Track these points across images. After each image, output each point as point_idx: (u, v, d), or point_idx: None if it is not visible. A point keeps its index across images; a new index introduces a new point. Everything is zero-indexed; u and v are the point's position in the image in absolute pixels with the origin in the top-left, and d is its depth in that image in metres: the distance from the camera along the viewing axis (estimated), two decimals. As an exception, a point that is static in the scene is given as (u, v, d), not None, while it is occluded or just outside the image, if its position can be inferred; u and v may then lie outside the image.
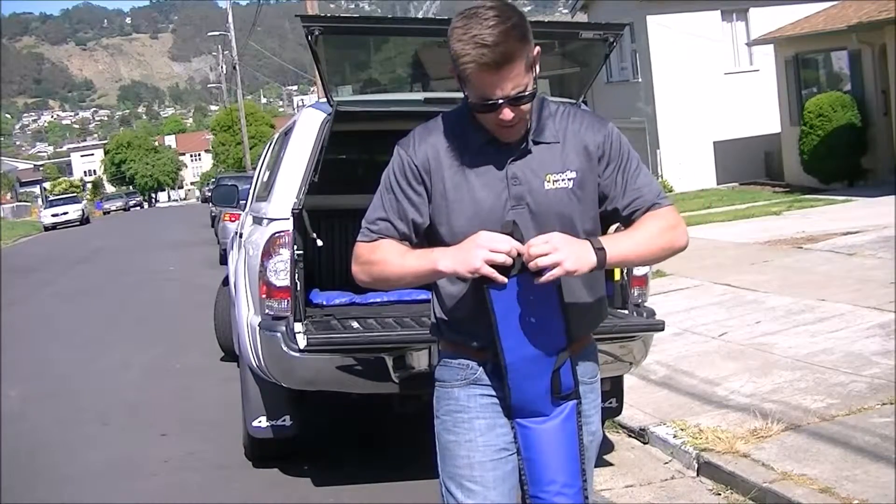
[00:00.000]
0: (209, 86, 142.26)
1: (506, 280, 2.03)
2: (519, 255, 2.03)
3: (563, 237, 2.06)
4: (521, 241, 2.05)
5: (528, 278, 2.06)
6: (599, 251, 2.08)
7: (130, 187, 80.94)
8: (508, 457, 2.24)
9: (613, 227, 2.48)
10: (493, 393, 2.24)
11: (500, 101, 2.07)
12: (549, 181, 2.18)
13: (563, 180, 2.19)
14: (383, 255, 2.21)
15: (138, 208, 65.53)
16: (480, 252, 2.02)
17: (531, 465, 2.21)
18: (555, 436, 2.18)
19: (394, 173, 2.25)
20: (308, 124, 4.72)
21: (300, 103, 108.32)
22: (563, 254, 2.02)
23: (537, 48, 2.13)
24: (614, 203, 2.24)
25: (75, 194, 61.52)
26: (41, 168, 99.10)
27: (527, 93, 2.08)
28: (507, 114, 2.09)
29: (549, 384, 2.16)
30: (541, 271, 2.02)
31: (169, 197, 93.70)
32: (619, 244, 2.14)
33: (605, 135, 2.23)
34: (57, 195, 60.09)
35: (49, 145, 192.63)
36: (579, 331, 2.24)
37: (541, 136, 2.20)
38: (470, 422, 2.25)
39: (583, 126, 2.24)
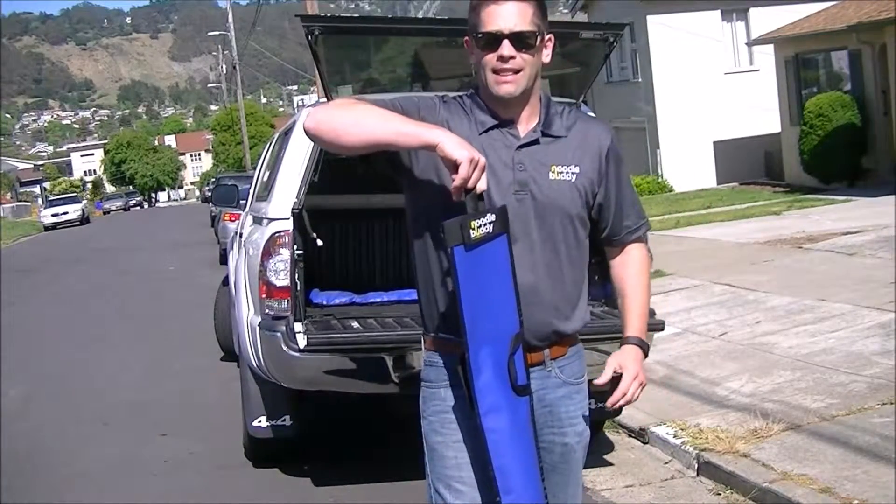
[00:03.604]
0: (209, 86, 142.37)
1: (459, 186, 2.00)
2: (493, 223, 2.06)
3: (639, 369, 2.33)
4: (507, 226, 2.10)
5: (490, 250, 2.06)
6: (643, 347, 2.38)
7: (130, 187, 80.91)
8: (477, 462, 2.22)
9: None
10: None
11: (503, 34, 2.13)
12: (553, 172, 2.23)
13: (567, 173, 2.24)
14: (372, 105, 2.16)
15: (138, 208, 65.52)
16: (472, 156, 2.00)
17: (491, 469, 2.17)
18: (511, 437, 2.13)
19: (418, 98, 2.28)
20: (308, 124, 4.71)
21: (300, 103, 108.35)
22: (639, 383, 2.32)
23: (551, 36, 2.22)
24: (607, 217, 2.35)
25: (75, 194, 61.48)
26: (41, 168, 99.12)
27: (529, 34, 2.15)
28: (508, 49, 2.14)
29: (506, 371, 2.11)
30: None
31: (169, 197, 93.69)
32: (644, 325, 2.40)
33: (611, 139, 2.32)
34: (57, 195, 60.08)
35: (49, 145, 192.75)
36: (537, 324, 2.21)
37: (549, 130, 2.26)
38: (458, 422, 2.24)
39: (590, 126, 2.32)
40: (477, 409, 2.10)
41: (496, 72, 2.16)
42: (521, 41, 2.15)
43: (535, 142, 2.23)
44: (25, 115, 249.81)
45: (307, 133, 2.18)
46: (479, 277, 2.07)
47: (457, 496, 2.22)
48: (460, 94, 2.32)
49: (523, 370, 2.16)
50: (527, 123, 2.25)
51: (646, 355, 2.36)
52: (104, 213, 59.04)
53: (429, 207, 2.21)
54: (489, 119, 2.23)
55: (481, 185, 2.02)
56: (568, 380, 2.31)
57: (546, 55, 2.23)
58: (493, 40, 2.14)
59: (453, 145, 2.01)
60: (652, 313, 4.67)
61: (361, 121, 2.10)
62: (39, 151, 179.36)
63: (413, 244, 2.31)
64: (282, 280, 4.37)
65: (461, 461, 2.22)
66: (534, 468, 2.17)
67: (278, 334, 4.25)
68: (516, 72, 2.16)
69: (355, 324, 4.57)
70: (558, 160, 2.24)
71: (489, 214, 2.05)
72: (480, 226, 2.03)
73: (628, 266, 2.41)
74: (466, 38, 2.24)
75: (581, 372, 2.37)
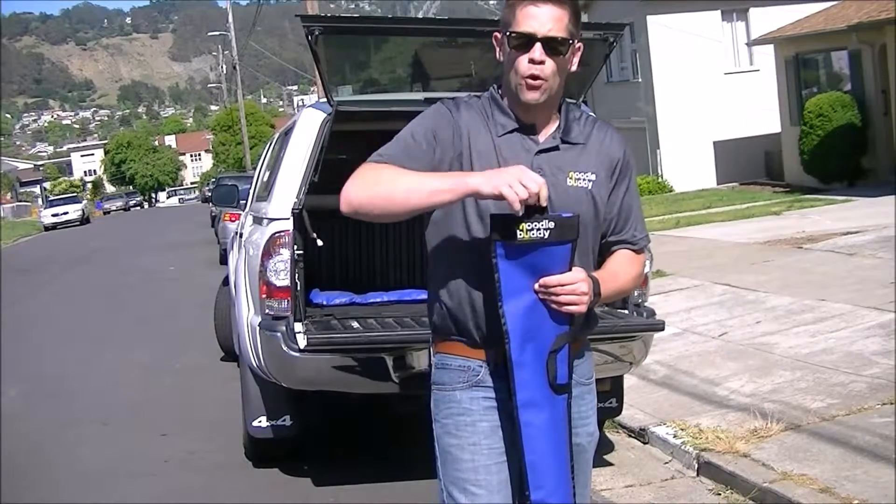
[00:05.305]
0: (209, 86, 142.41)
1: (519, 209, 1.99)
2: (538, 212, 2.03)
3: (590, 283, 2.11)
4: (570, 235, 2.07)
5: (546, 254, 2.06)
6: (596, 296, 2.16)
7: (130, 187, 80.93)
8: (511, 460, 2.22)
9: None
10: (496, 395, 2.22)
11: (536, 36, 2.12)
12: (571, 178, 2.23)
13: (584, 180, 2.24)
14: (395, 170, 2.14)
15: (138, 208, 65.53)
16: (509, 178, 1.99)
17: (524, 463, 2.19)
18: (546, 434, 2.15)
19: (429, 117, 2.25)
20: (308, 124, 4.72)
21: (300, 103, 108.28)
22: (586, 299, 2.09)
23: (581, 45, 2.21)
24: (611, 227, 2.32)
25: (75, 194, 61.53)
26: (41, 168, 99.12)
27: (562, 40, 2.14)
28: (539, 52, 2.13)
29: (545, 367, 2.12)
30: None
31: (168, 196, 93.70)
32: (607, 287, 2.21)
33: (624, 151, 2.33)
34: (57, 195, 60.09)
35: (49, 145, 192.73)
36: (578, 327, 2.23)
37: (568, 136, 2.26)
38: (473, 425, 2.22)
39: (607, 136, 2.32)
40: (515, 401, 2.11)
41: (524, 75, 2.16)
42: (554, 46, 2.14)
43: (555, 148, 2.24)
44: (25, 115, 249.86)
45: (348, 215, 2.22)
46: (527, 276, 2.08)
47: (471, 499, 2.20)
48: (479, 93, 2.31)
49: (565, 369, 2.15)
50: (547, 128, 2.25)
51: (596, 300, 2.19)
52: (104, 214, 59.06)
53: (450, 210, 2.20)
54: (510, 122, 2.23)
55: (542, 194, 1.99)
56: (579, 380, 2.30)
57: (574, 63, 2.23)
58: (526, 42, 2.14)
59: (490, 186, 1.99)
60: (652, 313, 4.69)
61: (393, 194, 2.10)
62: (39, 151, 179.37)
63: (430, 245, 2.30)
64: (282, 280, 4.37)
65: (477, 464, 2.21)
66: (566, 468, 2.17)
67: (278, 334, 4.26)
68: (544, 78, 2.15)
69: (355, 324, 4.57)
70: (576, 167, 2.24)
71: (546, 221, 2.04)
72: (531, 229, 2.03)
73: (617, 253, 2.37)
74: (496, 33, 2.23)
75: (591, 373, 2.37)
